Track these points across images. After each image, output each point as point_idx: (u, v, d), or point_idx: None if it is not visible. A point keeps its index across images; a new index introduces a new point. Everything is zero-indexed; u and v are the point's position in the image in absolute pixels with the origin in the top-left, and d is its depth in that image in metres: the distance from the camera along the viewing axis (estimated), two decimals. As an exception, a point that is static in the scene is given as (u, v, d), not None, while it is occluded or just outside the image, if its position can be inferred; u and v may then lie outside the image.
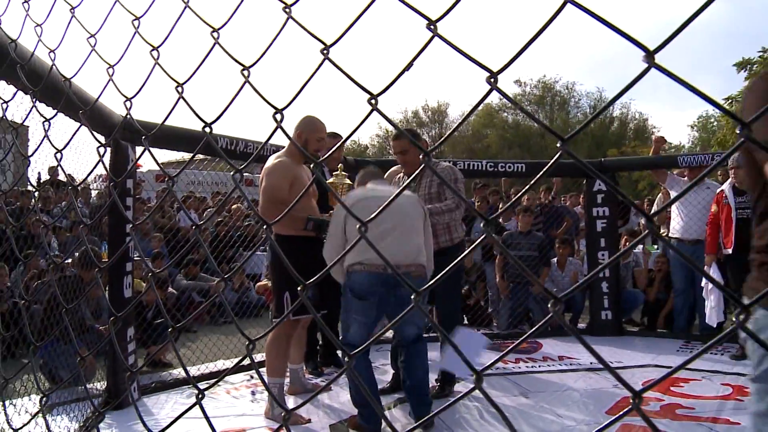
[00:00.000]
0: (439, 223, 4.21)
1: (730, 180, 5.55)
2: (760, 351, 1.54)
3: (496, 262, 7.23)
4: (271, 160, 3.94)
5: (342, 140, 1.42)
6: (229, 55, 1.27)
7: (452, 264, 1.03)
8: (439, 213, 4.17)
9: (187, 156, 5.40)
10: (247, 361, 1.22)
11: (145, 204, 9.44)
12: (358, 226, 1.01)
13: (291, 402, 4.24)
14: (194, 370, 4.98)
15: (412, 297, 0.94)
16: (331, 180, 4.39)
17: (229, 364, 5.31)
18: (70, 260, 5.35)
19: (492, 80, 0.90)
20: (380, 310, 3.49)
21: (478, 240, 1.10)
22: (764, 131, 1.32)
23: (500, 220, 7.90)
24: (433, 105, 38.35)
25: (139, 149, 4.24)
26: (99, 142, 1.78)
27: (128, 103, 1.54)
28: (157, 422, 3.77)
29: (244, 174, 1.29)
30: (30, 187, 8.15)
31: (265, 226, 1.19)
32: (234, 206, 9.75)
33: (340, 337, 3.62)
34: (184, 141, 4.60)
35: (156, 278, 5.08)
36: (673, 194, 6.72)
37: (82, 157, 3.83)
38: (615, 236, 6.89)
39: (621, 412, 0.80)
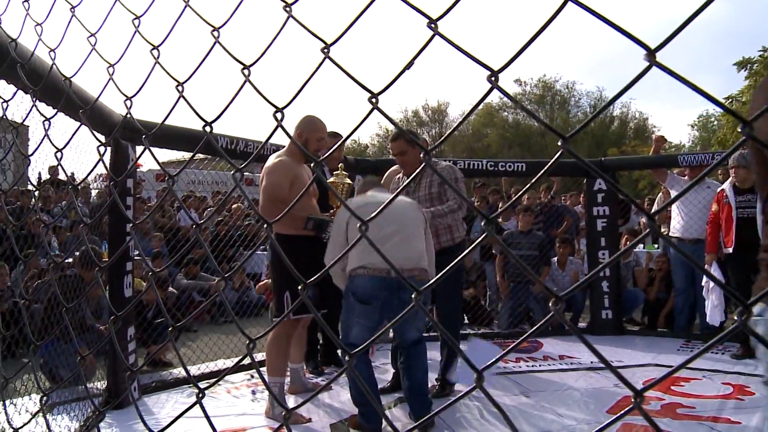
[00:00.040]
0: (441, 224, 4.21)
1: (730, 179, 5.55)
2: None
3: (496, 261, 7.23)
4: (272, 159, 3.94)
5: (342, 139, 1.42)
6: (230, 54, 1.26)
7: (453, 263, 1.03)
8: (442, 215, 4.16)
9: (187, 156, 5.40)
10: (247, 360, 1.22)
11: (146, 203, 9.44)
12: (359, 225, 1.01)
13: (291, 401, 4.23)
14: (194, 370, 4.98)
15: (413, 296, 0.94)
16: (331, 179, 4.39)
17: (229, 363, 5.31)
18: (70, 260, 5.35)
19: (493, 79, 0.89)
20: (383, 314, 3.48)
21: (479, 239, 1.10)
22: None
23: (500, 219, 7.91)
24: (433, 104, 38.34)
25: (139, 148, 4.24)
26: (99, 141, 1.78)
27: (128, 102, 1.54)
28: (157, 422, 3.77)
29: (245, 173, 1.29)
30: (30, 187, 8.15)
31: (265, 225, 1.19)
32: (234, 205, 9.75)
33: (341, 337, 3.61)
34: (185, 140, 4.60)
35: (156, 277, 5.08)
36: (673, 194, 6.72)
37: (83, 156, 3.83)
38: (615, 235, 6.89)
39: (622, 411, 0.80)
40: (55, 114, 1.94)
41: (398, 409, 4.08)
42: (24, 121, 2.25)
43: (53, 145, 1.82)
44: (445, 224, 4.24)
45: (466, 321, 7.26)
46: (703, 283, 5.76)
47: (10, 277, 6.39)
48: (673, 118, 56.93)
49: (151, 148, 1.56)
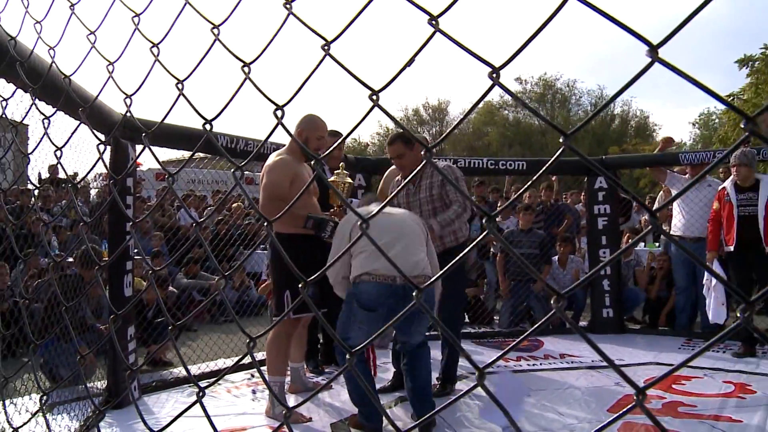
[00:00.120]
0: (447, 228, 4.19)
1: (732, 177, 5.54)
2: None
3: (497, 260, 7.23)
4: (272, 158, 3.94)
5: (343, 137, 1.41)
6: (230, 51, 1.26)
7: (452, 262, 1.03)
8: (449, 222, 4.14)
9: (187, 155, 5.40)
10: (247, 360, 1.21)
11: (146, 202, 9.44)
12: (359, 223, 1.01)
13: (292, 401, 4.23)
14: (195, 369, 4.97)
15: (414, 294, 0.93)
16: (332, 178, 4.38)
17: (229, 362, 5.30)
18: (71, 259, 5.34)
19: (494, 75, 0.89)
20: (388, 322, 3.44)
21: (480, 237, 1.09)
22: None
23: (498, 218, 7.91)
24: (433, 103, 38.33)
25: (139, 147, 4.24)
26: (99, 139, 1.77)
27: (128, 101, 1.53)
28: (157, 421, 3.76)
29: (245, 172, 1.28)
30: (30, 186, 8.14)
31: (265, 224, 1.19)
32: (235, 204, 9.75)
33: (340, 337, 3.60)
34: (185, 139, 4.59)
35: (156, 276, 5.08)
36: (674, 192, 6.72)
37: (82, 155, 3.82)
38: (616, 234, 6.88)
39: (624, 409, 0.79)
40: (55, 112, 1.93)
41: (399, 408, 4.08)
42: (23, 119, 2.25)
43: (53, 143, 1.81)
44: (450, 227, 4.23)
45: (467, 320, 7.26)
46: (704, 281, 5.75)
47: (10, 277, 6.39)
48: (674, 116, 56.98)
49: (151, 147, 1.56)
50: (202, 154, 6.23)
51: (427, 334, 3.76)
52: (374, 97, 1.01)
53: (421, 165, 1.09)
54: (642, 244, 9.07)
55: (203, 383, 1.28)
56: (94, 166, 1.90)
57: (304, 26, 1.12)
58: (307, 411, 3.93)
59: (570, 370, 5.06)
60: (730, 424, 3.63)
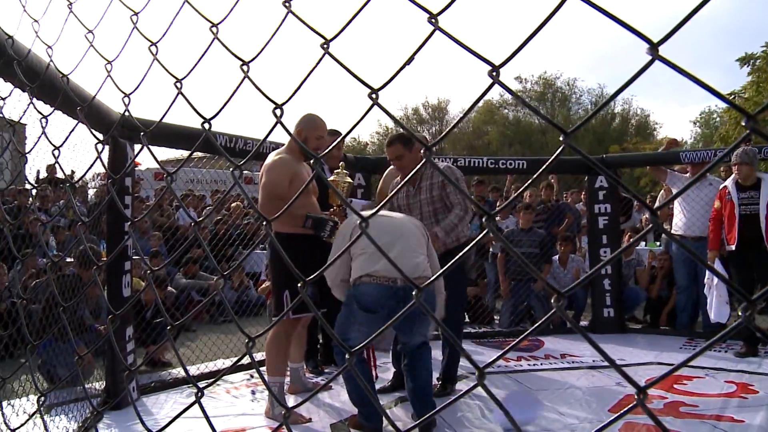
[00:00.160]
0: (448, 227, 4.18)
1: (733, 176, 5.53)
2: None
3: (498, 259, 7.22)
4: (271, 157, 3.93)
5: (342, 136, 1.41)
6: (229, 50, 1.25)
7: (452, 261, 1.02)
8: (452, 228, 4.13)
9: (186, 155, 5.39)
10: (246, 360, 1.20)
11: (144, 202, 9.44)
12: (359, 222, 1.00)
13: (291, 401, 4.22)
14: (194, 370, 4.97)
15: (414, 293, 0.93)
16: (332, 178, 4.37)
17: (228, 363, 5.29)
18: (69, 259, 5.34)
19: (494, 74, 0.88)
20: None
21: (480, 236, 1.09)
22: None
23: (498, 217, 7.90)
24: (433, 102, 38.34)
25: (137, 147, 4.23)
26: (97, 139, 1.77)
27: (126, 100, 1.53)
28: (156, 422, 3.75)
29: (244, 171, 1.27)
30: (28, 185, 8.14)
31: (264, 223, 1.18)
32: (234, 204, 9.74)
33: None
34: (183, 138, 4.58)
35: (154, 277, 5.07)
36: (675, 191, 6.71)
37: (80, 155, 3.82)
38: (617, 233, 6.87)
39: (625, 409, 0.78)
40: (53, 112, 1.93)
41: (399, 409, 4.07)
42: (21, 119, 2.24)
43: (50, 143, 1.81)
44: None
45: (467, 320, 7.25)
46: (705, 280, 5.74)
47: (8, 277, 6.39)
48: (675, 114, 57.02)
49: (150, 146, 1.55)
50: (201, 154, 6.22)
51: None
52: (374, 96, 1.00)
53: (420, 164, 1.08)
54: (643, 243, 9.06)
55: (202, 384, 1.27)
56: (92, 165, 1.89)
57: (304, 25, 1.12)
58: (307, 411, 3.92)
59: (571, 370, 5.05)
60: (732, 424, 3.62)
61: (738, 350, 5.46)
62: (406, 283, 3.31)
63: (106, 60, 1.56)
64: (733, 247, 5.38)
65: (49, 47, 1.81)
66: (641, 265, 7.91)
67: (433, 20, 0.93)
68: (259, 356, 4.60)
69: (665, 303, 6.99)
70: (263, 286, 6.81)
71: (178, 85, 1.35)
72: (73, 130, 1.97)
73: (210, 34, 1.27)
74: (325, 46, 1.07)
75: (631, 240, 0.90)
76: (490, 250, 7.74)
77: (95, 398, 4.14)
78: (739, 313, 0.69)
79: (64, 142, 1.83)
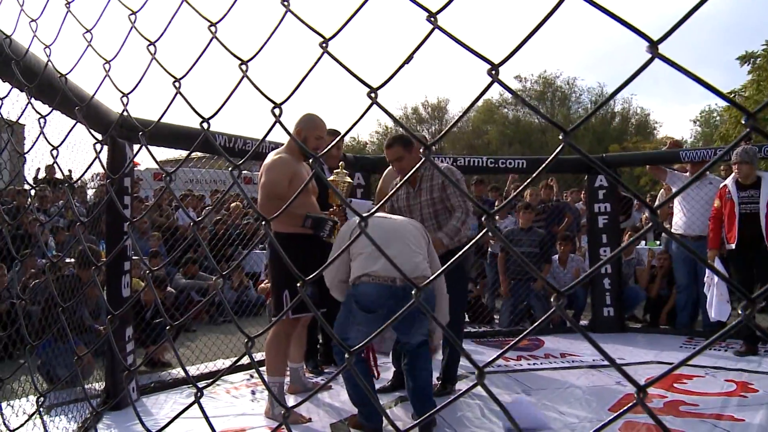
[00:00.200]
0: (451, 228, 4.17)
1: (733, 175, 5.52)
2: None
3: (498, 259, 7.22)
4: (271, 157, 3.92)
5: (341, 135, 1.41)
6: (227, 49, 1.25)
7: (452, 260, 1.02)
8: (456, 232, 4.11)
9: (185, 155, 5.39)
10: (246, 360, 1.20)
11: (143, 202, 9.44)
12: (359, 221, 0.99)
13: (291, 401, 4.21)
14: (193, 370, 4.96)
15: (413, 292, 0.92)
16: (331, 178, 4.36)
17: (228, 363, 5.29)
18: (68, 259, 5.33)
19: (493, 72, 0.88)
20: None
21: (479, 235, 1.08)
22: None
23: (496, 217, 7.89)
24: (432, 101, 38.35)
25: (136, 147, 4.23)
26: (96, 139, 1.76)
27: (125, 99, 1.52)
28: (156, 422, 3.75)
29: (243, 171, 1.27)
30: (26, 186, 8.13)
31: (263, 222, 1.18)
32: (233, 204, 9.74)
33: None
34: (182, 138, 4.57)
35: (153, 277, 5.06)
36: (675, 190, 6.71)
37: (79, 155, 3.82)
38: (617, 232, 6.87)
39: (625, 407, 0.78)
40: (51, 112, 1.92)
41: (399, 408, 4.07)
42: (19, 119, 2.24)
43: (49, 143, 1.80)
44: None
45: (467, 319, 7.25)
46: (705, 279, 5.74)
47: (7, 278, 6.38)
48: (675, 113, 57.06)
49: (148, 146, 1.55)
50: (200, 154, 6.22)
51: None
52: (373, 95, 1.00)
53: (419, 163, 1.08)
54: (643, 242, 9.06)
55: (201, 384, 1.27)
56: (90, 165, 1.89)
57: (302, 24, 1.11)
58: (307, 411, 3.92)
59: (571, 370, 5.04)
60: (732, 423, 3.62)
61: (738, 349, 5.46)
62: (405, 282, 3.30)
63: (105, 60, 1.56)
64: (733, 246, 5.37)
65: (47, 47, 1.81)
66: (641, 264, 7.90)
67: (432, 19, 0.92)
68: (258, 356, 4.60)
69: (665, 302, 6.99)
70: (262, 285, 6.81)
71: (177, 84, 1.34)
72: (71, 130, 1.96)
73: (208, 34, 1.27)
74: (324, 45, 1.07)
75: (631, 239, 0.90)
76: (489, 249, 7.73)
77: (95, 399, 4.13)
78: (739, 312, 0.69)
79: (62, 142, 1.82)
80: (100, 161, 1.72)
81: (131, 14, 1.48)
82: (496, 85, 0.89)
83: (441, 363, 4.39)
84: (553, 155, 0.86)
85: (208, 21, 1.27)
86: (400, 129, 4.42)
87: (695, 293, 6.41)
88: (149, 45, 1.42)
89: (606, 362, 0.81)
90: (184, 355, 5.38)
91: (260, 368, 4.12)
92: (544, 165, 0.92)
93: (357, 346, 1.05)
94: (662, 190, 8.21)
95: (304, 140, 3.89)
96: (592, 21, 51.12)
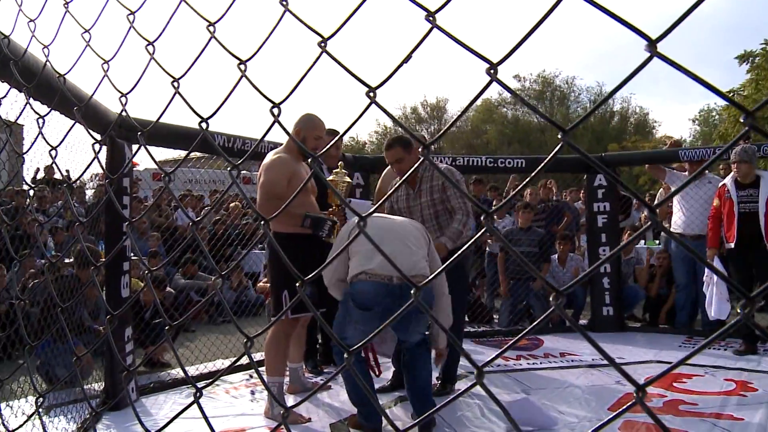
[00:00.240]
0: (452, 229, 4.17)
1: (732, 174, 5.53)
2: None
3: (498, 259, 7.22)
4: (270, 156, 3.92)
5: (340, 134, 1.41)
6: (226, 48, 1.25)
7: (449, 261, 1.02)
8: (459, 235, 4.10)
9: (184, 155, 5.39)
10: (245, 360, 1.20)
11: (142, 203, 9.44)
12: (357, 221, 0.99)
13: (290, 401, 4.21)
14: (193, 370, 4.96)
15: (412, 292, 0.92)
16: (330, 177, 4.36)
17: (227, 363, 5.29)
18: (67, 260, 5.33)
19: (492, 71, 0.88)
20: (384, 321, 3.39)
21: (477, 234, 1.08)
22: None
23: (494, 216, 7.90)
24: (432, 101, 38.31)
25: (135, 147, 4.22)
26: (94, 139, 1.76)
27: (124, 99, 1.52)
28: (155, 422, 3.75)
29: (242, 171, 1.27)
30: (25, 186, 8.12)
31: (262, 222, 1.18)
32: (232, 204, 9.74)
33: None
34: (181, 138, 4.57)
35: (153, 277, 5.05)
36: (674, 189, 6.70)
37: (78, 156, 3.81)
38: (616, 231, 6.87)
39: (624, 407, 0.78)
40: (49, 112, 1.92)
41: (399, 408, 4.07)
42: (18, 119, 2.23)
43: (47, 143, 1.80)
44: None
45: (466, 319, 7.24)
46: (704, 278, 5.74)
47: (6, 278, 6.37)
48: (674, 112, 57.03)
49: (147, 146, 1.55)
50: (199, 154, 6.22)
51: (428, 332, 3.73)
52: (371, 94, 1.00)
53: (418, 162, 1.08)
54: (642, 241, 9.06)
55: (201, 384, 1.27)
56: (89, 165, 1.89)
57: (301, 23, 1.11)
58: (307, 411, 3.92)
59: (570, 369, 5.04)
60: (731, 422, 3.62)
61: (737, 348, 5.46)
62: (402, 280, 3.30)
63: (103, 60, 1.56)
64: (733, 245, 5.37)
65: (46, 47, 1.80)
66: (640, 263, 7.91)
67: (430, 18, 0.92)
68: (258, 356, 4.59)
69: (664, 301, 6.99)
70: (260, 284, 6.80)
71: (176, 84, 1.34)
72: (70, 130, 1.96)
73: (207, 33, 1.27)
74: (323, 44, 1.07)
75: (630, 238, 0.90)
76: (486, 249, 7.73)
77: (94, 399, 4.13)
78: (738, 311, 0.69)
79: (60, 142, 1.82)
80: (99, 161, 1.72)
81: (130, 14, 1.48)
82: (495, 84, 0.89)
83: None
84: (551, 154, 0.86)
85: (207, 21, 1.27)
86: (400, 129, 4.42)
87: (694, 292, 6.41)
88: (148, 45, 1.42)
89: (606, 361, 0.81)
90: (183, 356, 5.38)
91: (259, 368, 4.12)
92: (542, 164, 0.92)
93: (356, 346, 1.05)
94: (661, 189, 8.22)
95: (303, 140, 3.89)
96: (591, 20, 51.11)
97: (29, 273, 6.63)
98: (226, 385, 4.69)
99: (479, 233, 1.05)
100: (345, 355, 1.01)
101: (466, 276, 4.64)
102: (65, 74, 1.84)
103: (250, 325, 6.86)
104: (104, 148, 4.06)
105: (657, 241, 8.91)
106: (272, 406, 3.91)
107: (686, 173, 6.70)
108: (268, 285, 4.56)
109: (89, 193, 9.91)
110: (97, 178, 9.48)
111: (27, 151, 2.09)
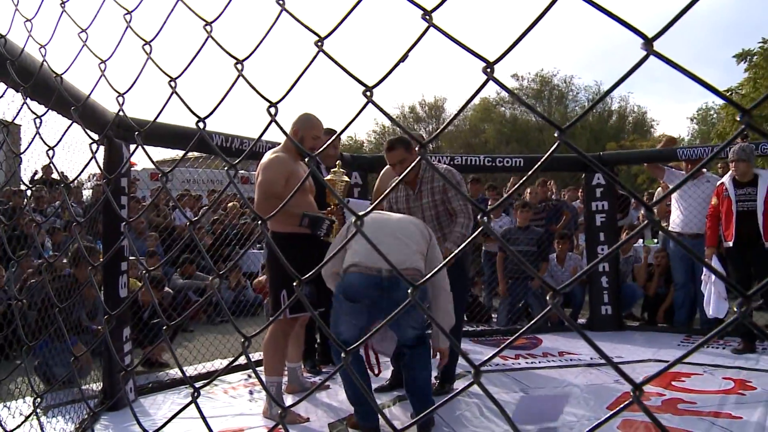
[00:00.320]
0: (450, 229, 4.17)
1: (730, 172, 5.53)
2: None
3: (497, 258, 7.22)
4: (268, 156, 3.92)
5: (337, 134, 1.41)
6: (223, 48, 1.25)
7: (446, 260, 1.02)
8: (461, 237, 4.09)
9: (181, 155, 5.38)
10: (243, 360, 1.20)
11: (140, 203, 9.43)
12: (354, 219, 0.99)
13: (289, 401, 4.21)
14: (191, 370, 4.96)
15: (409, 291, 0.92)
16: (329, 177, 4.36)
17: (226, 363, 5.28)
18: (65, 260, 5.32)
19: (488, 70, 0.88)
20: (372, 314, 3.38)
21: (475, 233, 1.08)
22: None
23: (491, 216, 7.90)
24: (429, 100, 38.30)
25: (133, 147, 4.22)
26: (92, 139, 1.76)
27: (121, 99, 1.52)
28: (154, 423, 3.74)
29: (240, 171, 1.27)
30: (23, 186, 8.11)
31: (260, 222, 1.17)
32: (230, 204, 9.73)
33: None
34: (179, 138, 4.56)
35: (151, 277, 5.05)
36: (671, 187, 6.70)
37: (75, 156, 3.81)
38: (614, 230, 6.87)
39: (622, 405, 0.78)
40: (47, 112, 1.92)
41: (397, 408, 4.07)
42: (15, 119, 2.23)
43: (45, 143, 1.80)
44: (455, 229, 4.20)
45: (465, 318, 7.24)
46: (702, 277, 5.74)
47: (4, 278, 6.37)
48: (672, 111, 57.09)
49: (144, 146, 1.54)
50: (196, 154, 6.22)
51: (429, 332, 3.73)
52: (368, 93, 1.00)
53: (415, 162, 1.08)
54: (641, 240, 9.07)
55: (199, 384, 1.27)
56: (86, 165, 1.89)
57: (298, 23, 1.11)
58: (305, 411, 3.92)
59: (569, 368, 5.05)
60: (729, 420, 3.62)
61: (735, 347, 5.47)
62: (391, 273, 3.29)
63: (100, 59, 1.56)
64: (731, 244, 5.38)
65: (43, 47, 1.80)
66: (639, 262, 7.91)
67: (427, 17, 0.92)
68: (256, 356, 4.59)
69: (663, 300, 6.99)
70: (257, 279, 6.79)
71: (173, 84, 1.34)
72: (67, 130, 1.96)
73: (204, 33, 1.26)
74: (320, 43, 1.07)
75: (628, 235, 0.90)
76: (483, 248, 7.73)
77: (92, 399, 4.13)
78: (735, 309, 0.69)
79: (58, 142, 1.82)
80: (97, 161, 1.72)
81: (126, 14, 1.48)
82: (493, 83, 0.89)
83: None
84: (548, 153, 0.86)
85: (204, 20, 1.27)
86: (397, 128, 4.41)
87: (693, 291, 6.41)
88: (145, 44, 1.42)
89: (604, 360, 0.81)
90: (181, 356, 5.37)
91: (258, 368, 4.12)
92: (539, 163, 0.92)
93: (353, 345, 1.05)
94: (659, 188, 8.22)
95: (300, 140, 3.89)
96: (589, 19, 51.20)
97: (27, 273, 6.61)
98: (225, 385, 4.69)
99: (476, 232, 1.05)
100: (342, 355, 1.01)
101: (466, 274, 4.64)
102: (62, 74, 1.84)
103: (249, 325, 6.85)
104: (102, 148, 4.05)
105: (655, 240, 8.92)
106: (271, 405, 3.91)
107: (684, 172, 6.71)
108: (264, 278, 4.55)
109: (87, 193, 9.89)
110: (94, 178, 9.47)
111: (24, 151, 2.08)
